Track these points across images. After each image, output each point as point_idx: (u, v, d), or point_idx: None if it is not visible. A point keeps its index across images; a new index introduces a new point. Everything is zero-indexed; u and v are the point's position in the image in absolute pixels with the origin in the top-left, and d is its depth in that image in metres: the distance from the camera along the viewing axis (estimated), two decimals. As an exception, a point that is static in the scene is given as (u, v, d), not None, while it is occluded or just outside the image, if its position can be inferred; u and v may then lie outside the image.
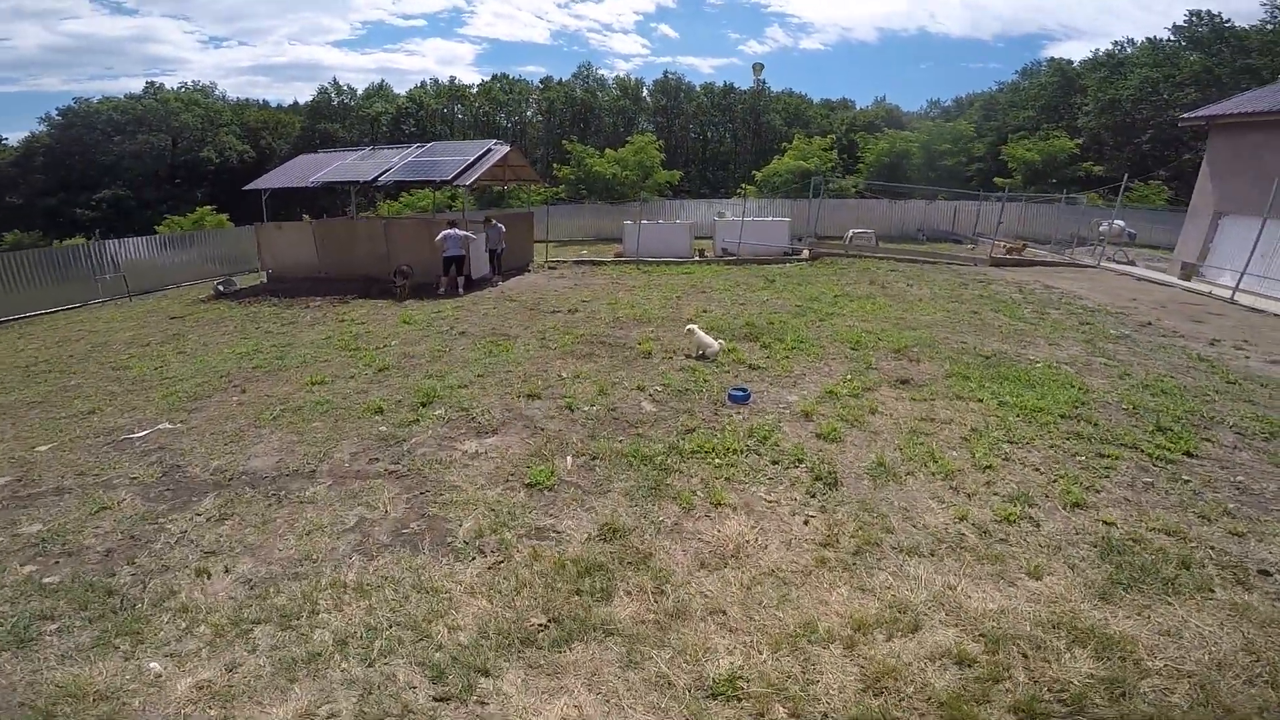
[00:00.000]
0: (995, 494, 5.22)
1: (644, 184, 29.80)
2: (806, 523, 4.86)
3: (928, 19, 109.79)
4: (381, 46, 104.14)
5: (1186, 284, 16.62)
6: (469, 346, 9.95)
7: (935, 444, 6.10)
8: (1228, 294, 15.02)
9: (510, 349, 9.61)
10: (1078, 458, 5.90)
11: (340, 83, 57.91)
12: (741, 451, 5.97)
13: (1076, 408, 7.05)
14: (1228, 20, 43.88)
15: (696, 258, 19.76)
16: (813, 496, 5.24)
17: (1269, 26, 41.44)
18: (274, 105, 62.43)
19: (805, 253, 19.44)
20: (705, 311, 11.78)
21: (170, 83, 55.25)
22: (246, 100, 60.23)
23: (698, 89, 66.42)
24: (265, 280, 18.89)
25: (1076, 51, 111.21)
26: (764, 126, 60.38)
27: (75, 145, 49.13)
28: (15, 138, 51.51)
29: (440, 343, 10.22)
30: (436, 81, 62.03)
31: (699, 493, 5.28)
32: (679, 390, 7.66)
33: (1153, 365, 8.88)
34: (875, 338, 9.73)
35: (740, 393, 7.33)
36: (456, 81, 62.62)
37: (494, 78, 63.86)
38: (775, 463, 5.79)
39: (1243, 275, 14.82)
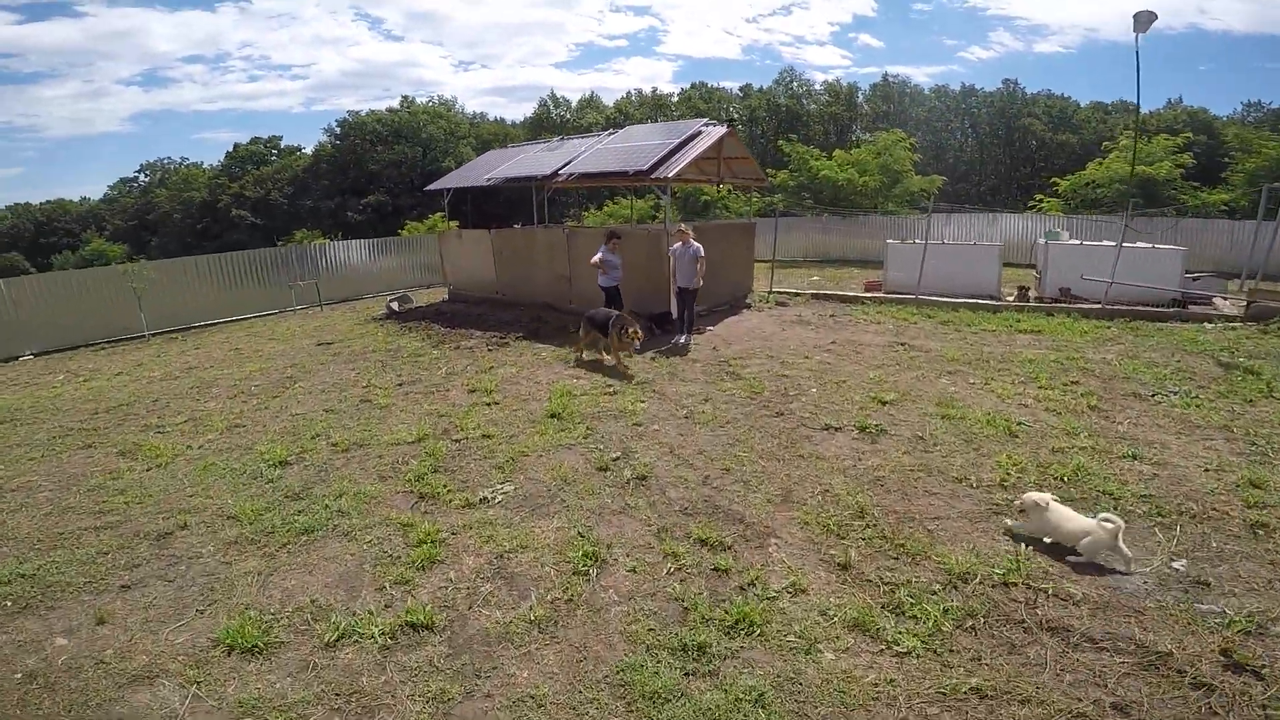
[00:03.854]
0: None
1: (890, 192, 21.70)
2: None
3: (1197, 15, 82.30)
4: (593, 67, 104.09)
5: None
6: (649, 544, 3.69)
7: None
8: None
9: (766, 618, 3.07)
10: None
11: (557, 95, 56.60)
12: None
13: None
14: None
15: (1011, 299, 11.75)
16: None
17: None
18: (508, 122, 63.09)
19: (1218, 303, 10.51)
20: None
21: (423, 100, 57.26)
22: (482, 115, 61.30)
23: (927, 92, 54.96)
24: (447, 297, 14.72)
25: None
26: (1019, 132, 47.55)
27: (350, 155, 52.64)
28: (311, 149, 56.78)
29: (588, 513, 4.10)
30: (640, 92, 58.44)
31: None
32: None
33: None
34: None
35: None
36: (658, 92, 58.37)
37: (692, 85, 58.43)
38: None
39: None
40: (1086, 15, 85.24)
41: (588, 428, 5.61)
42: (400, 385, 7.58)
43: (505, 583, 3.46)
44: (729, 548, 3.73)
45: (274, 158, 56.18)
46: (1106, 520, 3.45)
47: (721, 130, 11.09)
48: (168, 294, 14.27)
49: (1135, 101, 19.92)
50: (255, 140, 56.88)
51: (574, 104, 56.50)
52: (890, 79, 56.03)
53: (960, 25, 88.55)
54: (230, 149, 56.27)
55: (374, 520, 4.17)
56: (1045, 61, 77.95)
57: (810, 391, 6.43)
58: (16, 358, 12.10)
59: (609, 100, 58.36)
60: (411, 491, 4.57)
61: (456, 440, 5.52)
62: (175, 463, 5.50)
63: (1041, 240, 12.25)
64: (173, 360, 10.46)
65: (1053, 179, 21.98)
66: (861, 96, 57.75)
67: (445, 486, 4.60)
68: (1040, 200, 21.34)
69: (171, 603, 3.40)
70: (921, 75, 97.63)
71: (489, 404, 6.50)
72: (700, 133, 10.87)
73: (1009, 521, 3.90)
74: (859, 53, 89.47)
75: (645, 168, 9.56)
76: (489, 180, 12.77)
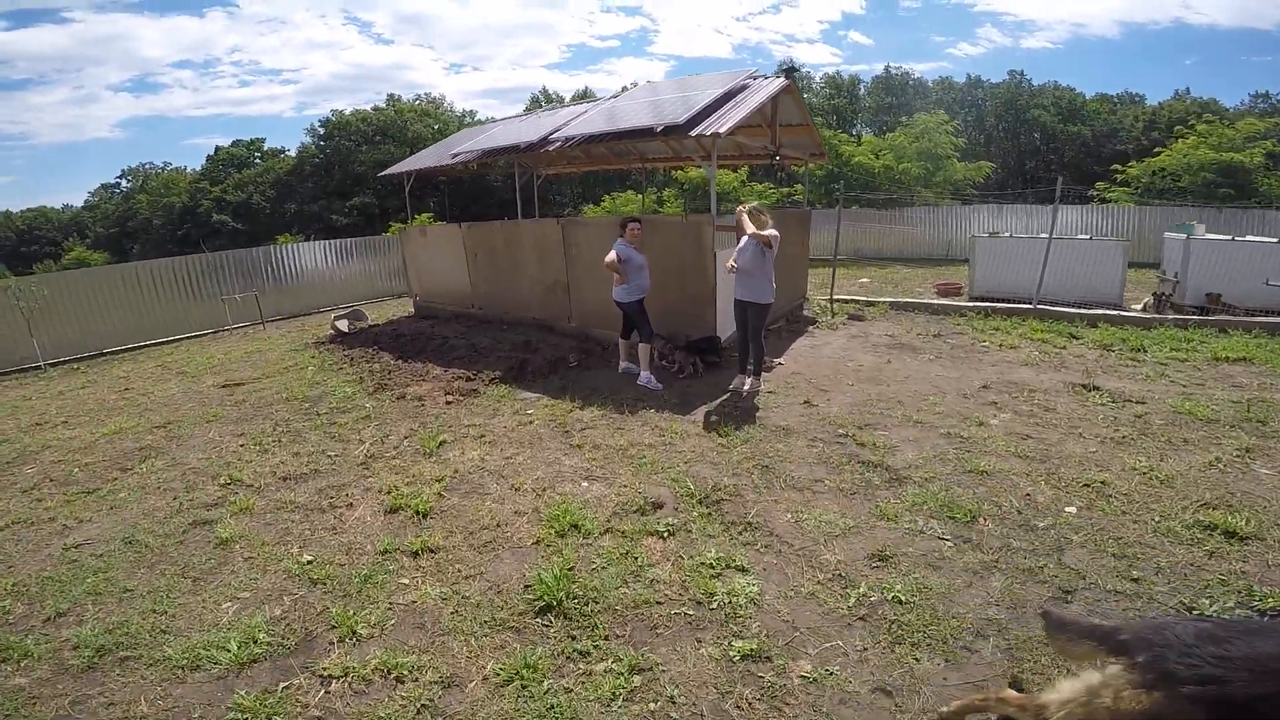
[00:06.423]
0: None
1: (930, 180, 18.55)
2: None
3: (1182, 9, 78.80)
4: (585, 68, 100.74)
5: None
6: None
7: None
8: None
9: None
10: None
11: (549, 90, 53.09)
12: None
13: None
14: None
15: (1140, 310, 8.68)
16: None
17: None
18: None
19: None
20: None
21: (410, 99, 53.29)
22: (472, 113, 57.61)
23: (931, 84, 51.99)
24: (412, 311, 11.40)
25: None
26: (1027, 124, 44.77)
27: (335, 155, 48.99)
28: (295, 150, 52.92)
29: None
30: (636, 84, 55.10)
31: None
32: None
33: None
34: None
35: None
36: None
37: (690, 77, 55.09)
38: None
39: None
40: (1073, 11, 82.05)
41: (632, 665, 2.27)
42: (285, 480, 4.29)
43: None
44: None
45: (257, 160, 52.49)
46: None
47: (778, 84, 7.68)
48: (73, 314, 10.87)
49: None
50: (237, 143, 53.19)
51: (567, 100, 53.16)
52: (892, 71, 52.96)
53: (949, 22, 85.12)
54: (211, 152, 52.58)
55: None
56: (1033, 57, 74.91)
57: (1066, 512, 3.14)
58: None
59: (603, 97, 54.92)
60: None
61: (324, 679, 2.25)
62: None
63: (1174, 235, 9.09)
64: (25, 410, 7.17)
65: (1114, 166, 18.86)
66: (863, 89, 54.70)
67: None
68: (1104, 189, 18.18)
69: None
70: (914, 72, 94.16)
71: (417, 551, 3.17)
72: (747, 85, 7.57)
73: None
74: (849, 50, 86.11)
75: (682, 121, 6.19)
76: (457, 156, 9.48)
